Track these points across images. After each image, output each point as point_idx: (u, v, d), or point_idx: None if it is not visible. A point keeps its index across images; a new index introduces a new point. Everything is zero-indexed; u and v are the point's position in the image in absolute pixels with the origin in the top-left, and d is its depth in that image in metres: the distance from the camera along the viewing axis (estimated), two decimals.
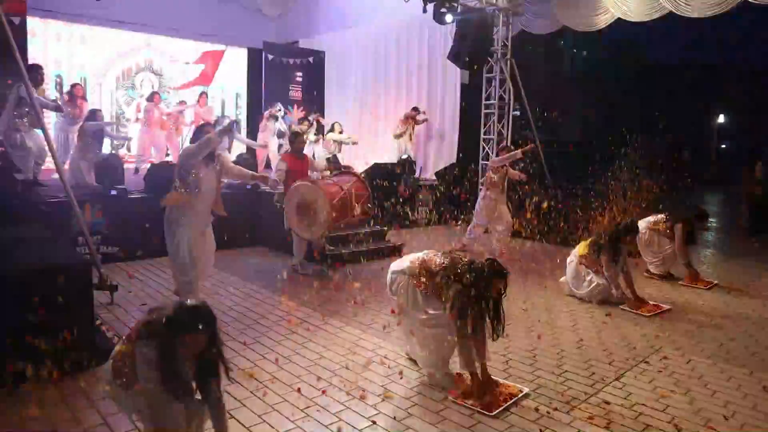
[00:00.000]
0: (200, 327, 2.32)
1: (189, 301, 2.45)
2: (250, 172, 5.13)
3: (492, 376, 3.60)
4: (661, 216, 6.49)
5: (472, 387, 3.41)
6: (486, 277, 3.29)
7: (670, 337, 4.61)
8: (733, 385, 3.72)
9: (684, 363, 4.08)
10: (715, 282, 6.37)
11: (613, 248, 5.29)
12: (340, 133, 10.88)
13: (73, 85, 8.89)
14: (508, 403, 3.33)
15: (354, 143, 11.13)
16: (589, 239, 5.52)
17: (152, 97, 10.01)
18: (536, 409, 3.31)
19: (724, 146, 19.99)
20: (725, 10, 7.03)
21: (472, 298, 3.28)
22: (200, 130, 4.82)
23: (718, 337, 4.63)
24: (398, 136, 10.67)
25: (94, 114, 7.94)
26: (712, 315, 5.24)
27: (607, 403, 3.42)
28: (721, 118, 22.47)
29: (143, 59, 11.63)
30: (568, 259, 5.67)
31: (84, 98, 8.87)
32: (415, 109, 10.77)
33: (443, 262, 3.51)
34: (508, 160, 7.29)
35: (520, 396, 3.44)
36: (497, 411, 3.24)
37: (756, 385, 3.73)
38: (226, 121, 7.30)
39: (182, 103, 10.76)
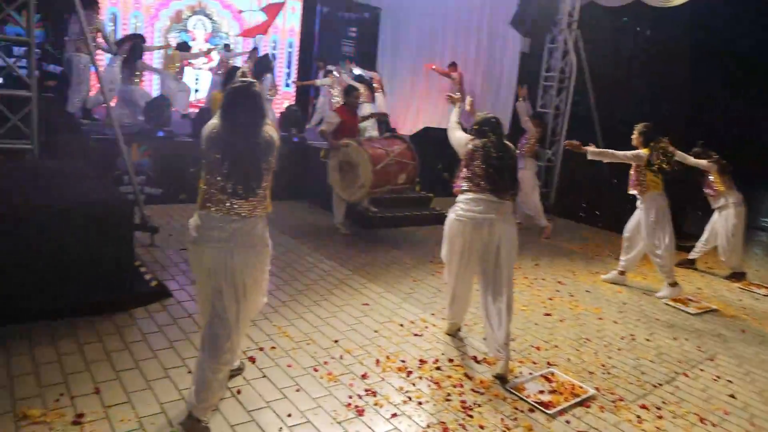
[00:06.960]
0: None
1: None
2: None
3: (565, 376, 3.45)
4: None
5: None
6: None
7: (727, 343, 4.32)
8: None
9: (743, 374, 3.80)
10: None
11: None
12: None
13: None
14: (570, 403, 3.11)
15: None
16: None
17: (180, 47, 9.82)
18: (581, 405, 3.13)
19: None
20: None
21: None
22: (231, 75, 4.63)
23: None
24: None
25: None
26: None
27: (658, 408, 3.20)
28: None
29: (196, 2, 11.46)
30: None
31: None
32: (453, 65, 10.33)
33: None
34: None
35: (584, 397, 3.21)
36: (554, 411, 3.02)
37: None
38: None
39: (198, 51, 10.41)
